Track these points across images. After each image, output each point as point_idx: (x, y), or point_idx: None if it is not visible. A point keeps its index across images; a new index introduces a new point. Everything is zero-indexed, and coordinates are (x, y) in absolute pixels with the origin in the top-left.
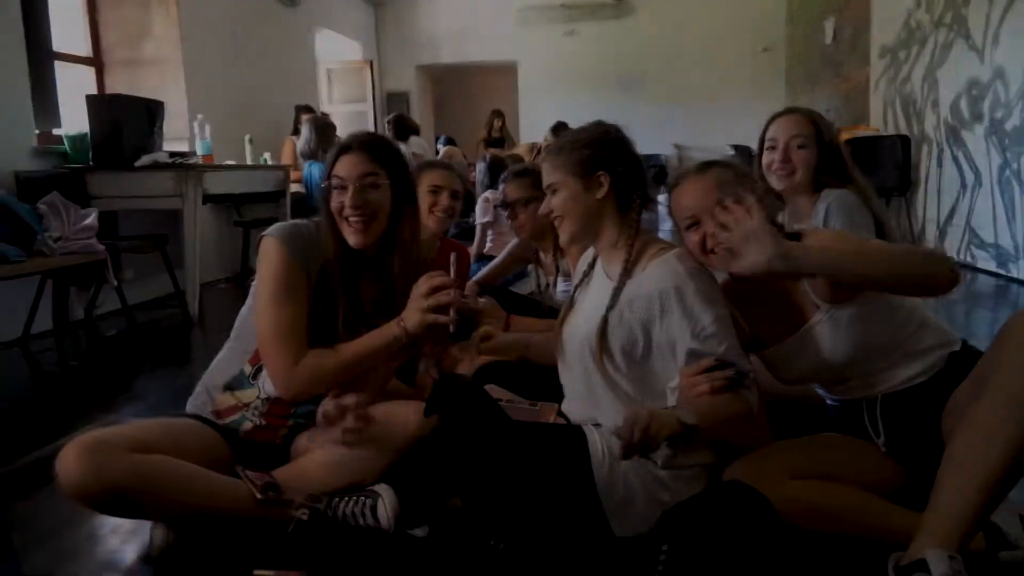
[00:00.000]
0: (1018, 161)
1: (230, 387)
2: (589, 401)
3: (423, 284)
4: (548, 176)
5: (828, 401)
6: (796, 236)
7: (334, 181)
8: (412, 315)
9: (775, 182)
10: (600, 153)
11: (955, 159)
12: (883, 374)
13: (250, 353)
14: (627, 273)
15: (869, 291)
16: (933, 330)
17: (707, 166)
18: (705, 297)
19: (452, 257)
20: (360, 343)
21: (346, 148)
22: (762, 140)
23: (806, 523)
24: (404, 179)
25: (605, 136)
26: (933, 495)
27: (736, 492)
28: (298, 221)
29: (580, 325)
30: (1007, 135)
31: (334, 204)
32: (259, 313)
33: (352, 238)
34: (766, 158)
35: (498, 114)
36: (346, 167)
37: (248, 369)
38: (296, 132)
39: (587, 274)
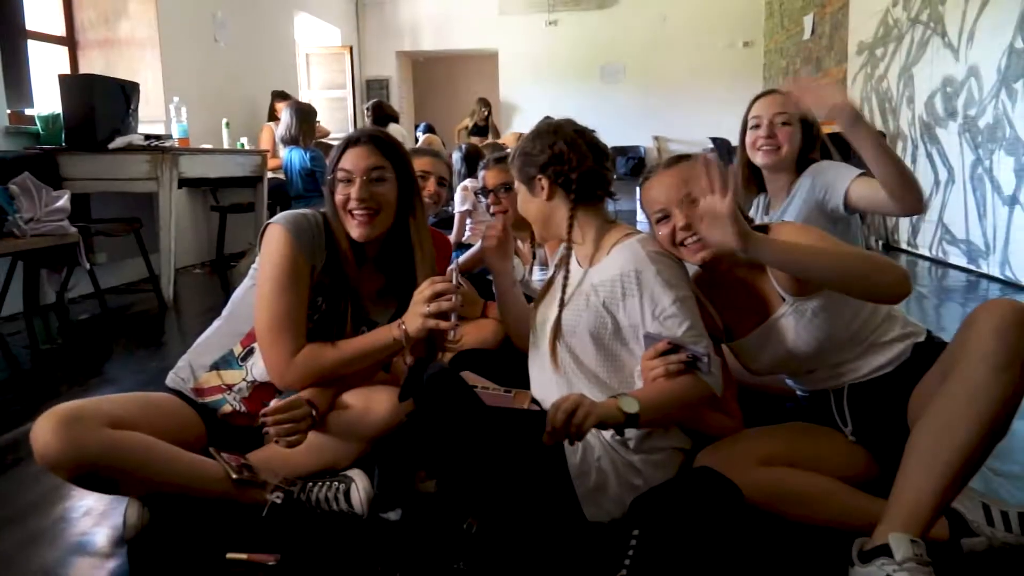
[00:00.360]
0: (990, 158)
1: (216, 366)
2: (562, 385)
3: (425, 288)
4: (500, 178)
5: (798, 392)
6: (764, 229)
7: (340, 174)
8: (413, 319)
9: (760, 159)
10: (533, 159)
11: (929, 156)
12: (849, 365)
13: (242, 334)
14: (591, 259)
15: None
16: (899, 322)
17: (677, 160)
18: (666, 280)
19: (455, 264)
20: (359, 342)
21: (353, 141)
22: (745, 121)
23: (773, 508)
24: (409, 174)
25: (541, 138)
26: (896, 482)
27: (706, 478)
28: (305, 211)
29: (552, 310)
30: (980, 132)
31: (339, 197)
32: (260, 301)
33: (356, 231)
34: (750, 136)
35: (485, 103)
36: (353, 160)
37: (238, 350)
38: (273, 119)
39: (562, 261)
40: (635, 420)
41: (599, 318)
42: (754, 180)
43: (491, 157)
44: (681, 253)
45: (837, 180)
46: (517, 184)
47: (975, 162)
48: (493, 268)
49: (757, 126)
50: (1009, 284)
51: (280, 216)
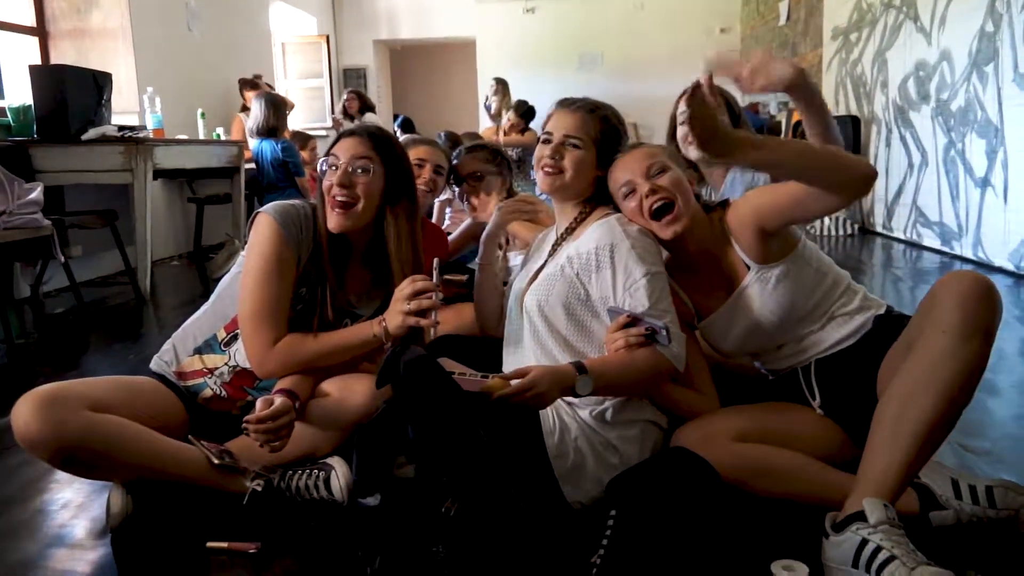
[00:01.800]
0: (962, 141)
1: (199, 351)
2: (536, 351)
3: (406, 287)
4: (576, 128)
5: (769, 376)
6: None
7: (329, 159)
8: (394, 317)
9: (692, 153)
10: (616, 139)
11: (903, 139)
12: (813, 337)
13: (227, 320)
14: (570, 232)
15: (796, 225)
16: (859, 295)
17: (635, 146)
18: (639, 255)
19: (435, 262)
20: (339, 335)
21: (348, 133)
22: (673, 117)
23: (747, 484)
24: (398, 170)
25: (622, 126)
26: (865, 453)
27: (681, 458)
28: (295, 202)
29: (528, 278)
30: (952, 116)
31: (325, 184)
32: (244, 289)
33: (331, 221)
34: (680, 133)
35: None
36: (342, 148)
37: (222, 335)
38: (244, 109)
39: (538, 247)
40: (588, 393)
41: (572, 288)
42: (694, 172)
43: (465, 146)
44: (652, 227)
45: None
46: (588, 140)
47: (948, 145)
48: (487, 252)
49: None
50: (982, 265)
51: (269, 206)
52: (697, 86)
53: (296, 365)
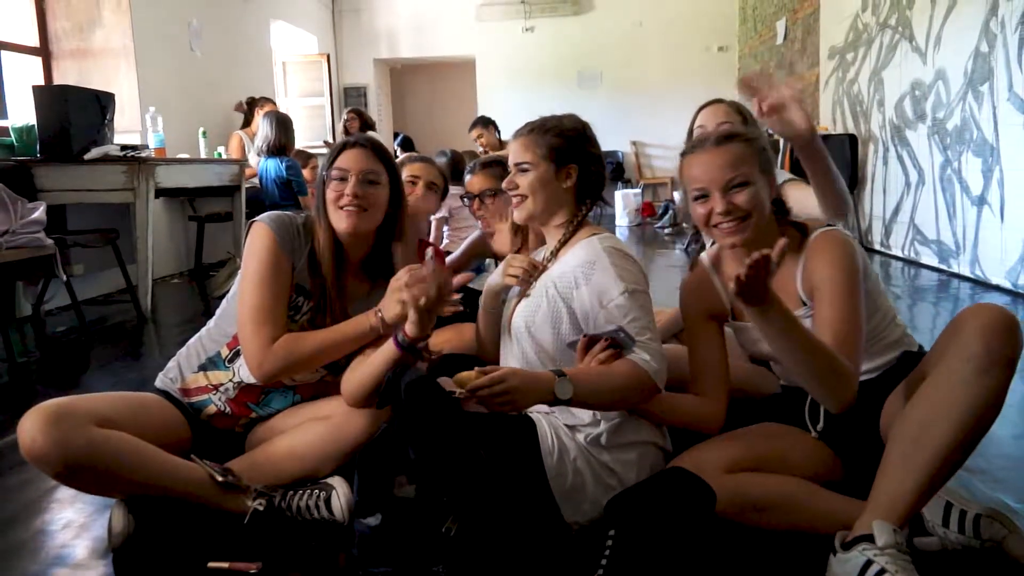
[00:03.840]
0: (959, 160)
1: (204, 368)
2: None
3: (402, 275)
4: (520, 154)
5: (780, 381)
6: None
7: (335, 172)
8: (391, 306)
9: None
10: (576, 146)
11: (899, 158)
12: None
13: (229, 336)
14: (554, 255)
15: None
16: (899, 330)
17: (726, 139)
18: (618, 273)
19: (428, 252)
20: (335, 330)
21: (351, 144)
22: (691, 130)
23: (741, 517)
24: (398, 183)
25: (582, 131)
26: (878, 475)
27: (679, 478)
28: (288, 213)
29: (512, 305)
30: (948, 134)
31: (332, 193)
32: (242, 294)
33: (343, 222)
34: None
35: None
36: (350, 159)
37: (225, 352)
38: (245, 125)
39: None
40: (567, 402)
41: (555, 310)
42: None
43: (479, 161)
44: (712, 234)
45: None
46: (537, 159)
47: (944, 163)
48: (491, 300)
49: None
50: (979, 283)
51: (264, 215)
52: (767, 259)
53: (296, 363)
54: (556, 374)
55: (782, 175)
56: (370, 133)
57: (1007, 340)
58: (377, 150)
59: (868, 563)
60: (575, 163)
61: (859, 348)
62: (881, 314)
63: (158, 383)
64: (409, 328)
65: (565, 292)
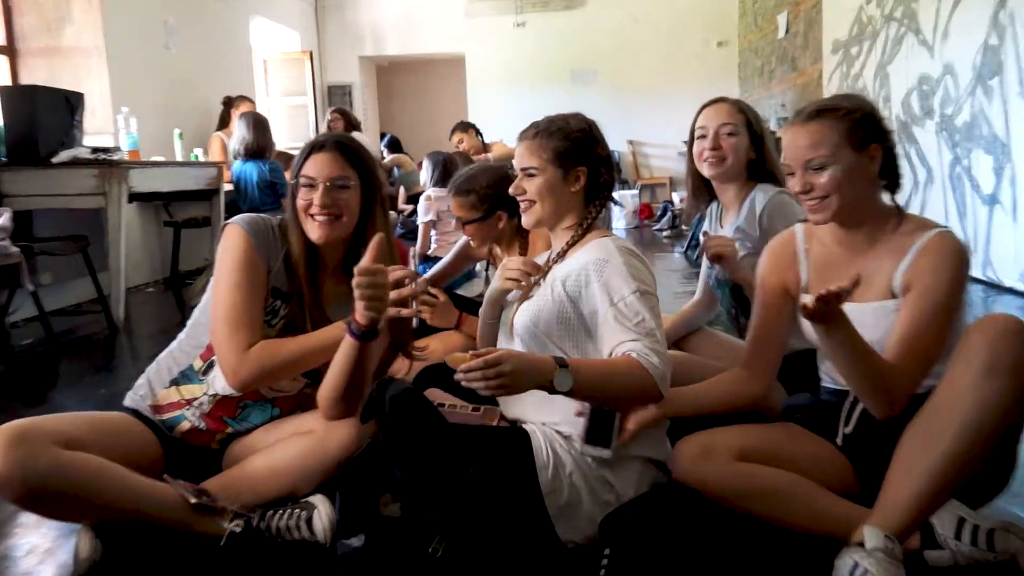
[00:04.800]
0: (968, 157)
1: (176, 382)
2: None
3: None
4: (526, 159)
5: (825, 380)
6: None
7: (303, 180)
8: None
9: (706, 170)
10: (583, 147)
11: (907, 155)
12: None
13: (203, 347)
14: (561, 256)
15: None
16: None
17: (816, 114)
18: (630, 272)
19: (411, 251)
20: (315, 336)
21: (318, 147)
22: (692, 129)
23: (743, 504)
24: (373, 180)
25: (589, 131)
26: (884, 481)
27: (675, 494)
28: (262, 215)
29: (517, 302)
30: (957, 131)
31: (301, 201)
32: (215, 297)
33: (315, 232)
34: (697, 147)
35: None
36: (316, 166)
37: (199, 364)
38: (224, 126)
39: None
40: (566, 394)
41: (561, 310)
42: (704, 189)
43: (455, 185)
44: (805, 206)
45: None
46: (544, 163)
47: (953, 161)
48: (492, 311)
49: (703, 136)
50: (992, 286)
51: (238, 217)
52: (839, 294)
53: (272, 370)
54: (557, 363)
55: (765, 189)
56: (355, 134)
57: (1014, 344)
58: (346, 151)
59: (855, 565)
60: (583, 166)
61: (923, 367)
62: (956, 335)
63: (127, 401)
64: (358, 315)
65: (573, 291)
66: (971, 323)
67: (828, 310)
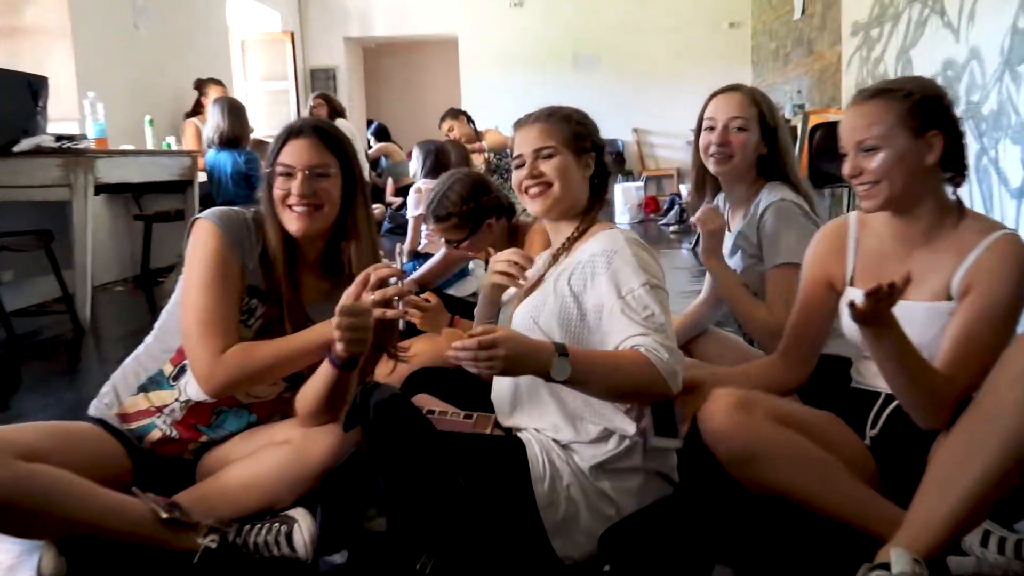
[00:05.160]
0: (996, 148)
1: (144, 388)
2: (528, 394)
3: (368, 276)
4: (541, 140)
5: (854, 383)
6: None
7: (279, 168)
8: None
9: (711, 165)
10: (590, 133)
11: None
12: None
13: (173, 351)
14: (566, 249)
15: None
16: None
17: (873, 95)
18: (639, 264)
19: (398, 247)
20: (294, 339)
21: (295, 133)
22: (700, 119)
23: (768, 467)
24: (354, 168)
25: (588, 119)
26: (912, 502)
27: (679, 509)
28: (235, 208)
29: (517, 299)
30: (984, 120)
31: (278, 191)
32: (186, 298)
33: (294, 224)
34: (703, 139)
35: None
36: (294, 154)
37: (169, 369)
38: (196, 113)
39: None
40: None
41: (564, 306)
42: (711, 183)
43: (432, 212)
44: (856, 192)
45: (771, 248)
46: (561, 145)
47: (980, 152)
48: (487, 310)
49: (711, 128)
50: None
51: (208, 211)
52: (892, 290)
53: (249, 375)
54: (557, 350)
55: (788, 241)
56: (340, 121)
57: None
58: (325, 137)
59: None
60: (593, 152)
61: (976, 378)
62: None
63: (92, 411)
64: (339, 348)
65: (578, 285)
66: (1007, 349)
67: (878, 311)
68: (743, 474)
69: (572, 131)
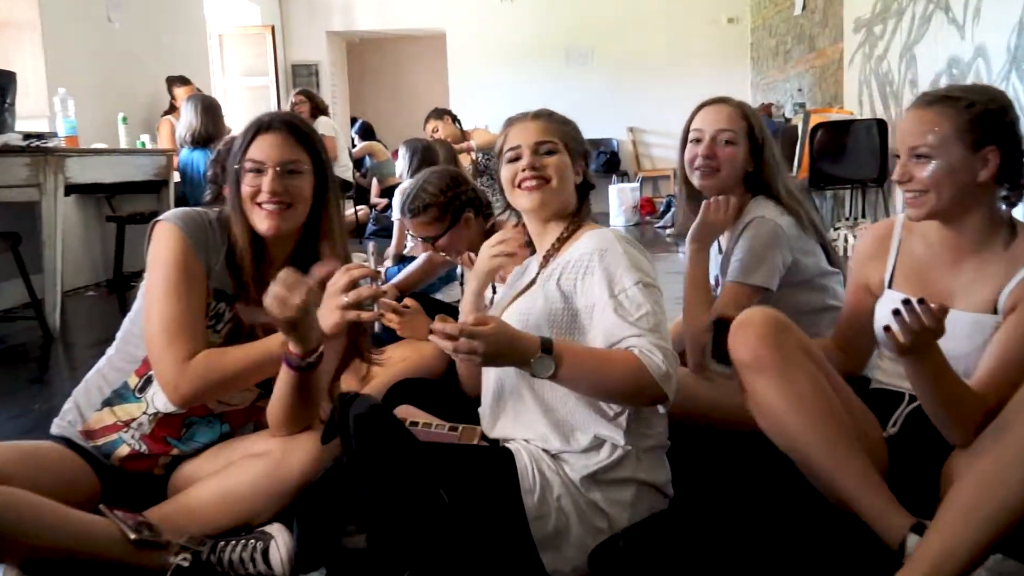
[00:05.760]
0: None
1: (109, 403)
2: (514, 380)
3: (340, 277)
4: (542, 134)
5: (876, 380)
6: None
7: (248, 164)
8: (329, 315)
9: (696, 179)
10: (580, 138)
11: None
12: None
13: (138, 362)
14: (556, 250)
15: None
16: None
17: (933, 101)
18: (632, 261)
19: (370, 246)
20: (263, 344)
21: (265, 127)
22: (687, 130)
23: (780, 409)
24: (325, 166)
25: (576, 128)
26: (932, 524)
27: (674, 523)
28: (198, 208)
29: (506, 301)
30: None
31: (247, 188)
32: (148, 305)
33: (264, 223)
34: (689, 151)
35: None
36: (264, 149)
37: (134, 381)
38: (172, 110)
39: (518, 276)
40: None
41: (554, 306)
42: (701, 199)
43: (408, 205)
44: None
45: (737, 262)
46: (558, 143)
47: None
48: (475, 304)
49: (697, 140)
50: None
51: (169, 213)
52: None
53: (218, 383)
54: (543, 346)
55: (760, 205)
56: (322, 119)
57: None
58: (296, 132)
59: None
60: (583, 160)
61: (1007, 398)
62: None
63: (54, 429)
64: (290, 344)
65: (568, 286)
66: None
67: (919, 343)
68: (758, 388)
69: (571, 134)
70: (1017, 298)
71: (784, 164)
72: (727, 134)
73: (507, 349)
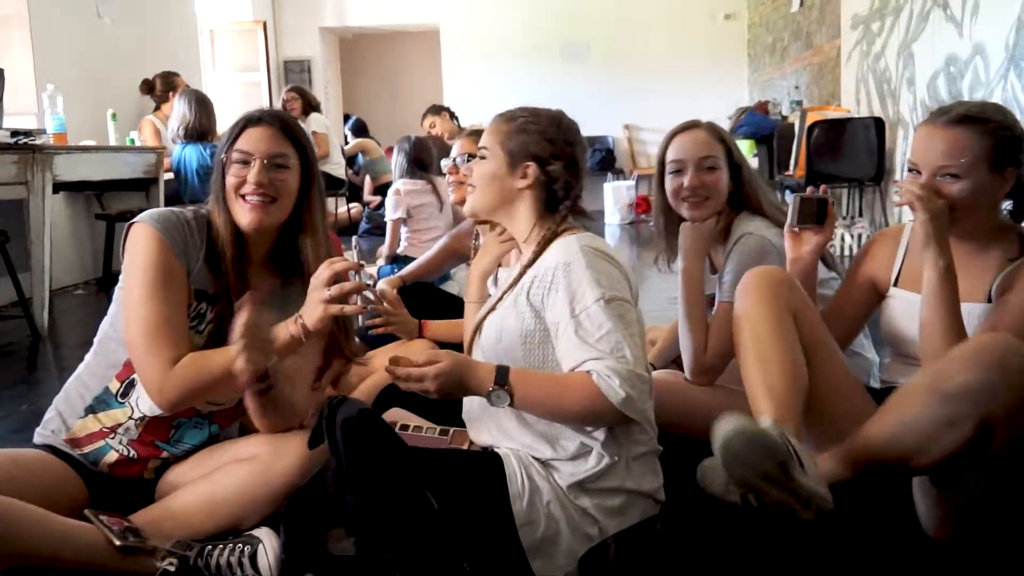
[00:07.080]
0: None
1: (92, 409)
2: (489, 415)
3: (323, 271)
4: (483, 139)
5: (882, 381)
6: None
7: (235, 155)
8: (312, 309)
9: (686, 211)
10: (537, 142)
11: None
12: None
13: (118, 367)
14: (531, 262)
15: None
16: None
17: (958, 121)
18: (595, 277)
19: (354, 240)
20: None
21: (254, 120)
22: (662, 162)
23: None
24: (311, 163)
25: (553, 127)
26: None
27: (665, 530)
28: (173, 208)
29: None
30: None
31: (232, 180)
32: (129, 309)
33: (246, 216)
34: (672, 183)
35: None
36: (253, 141)
37: (115, 386)
38: (156, 110)
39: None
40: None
41: (524, 321)
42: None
43: (471, 128)
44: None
45: (729, 282)
46: (491, 147)
47: None
48: (480, 288)
49: (678, 171)
50: None
51: (145, 214)
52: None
53: (204, 385)
54: (498, 378)
55: (748, 220)
56: (315, 116)
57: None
58: (285, 127)
59: None
60: (533, 161)
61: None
62: None
63: (37, 439)
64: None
65: (536, 299)
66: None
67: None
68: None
69: (512, 137)
70: (1010, 279)
71: (761, 179)
72: (709, 160)
73: (458, 388)
